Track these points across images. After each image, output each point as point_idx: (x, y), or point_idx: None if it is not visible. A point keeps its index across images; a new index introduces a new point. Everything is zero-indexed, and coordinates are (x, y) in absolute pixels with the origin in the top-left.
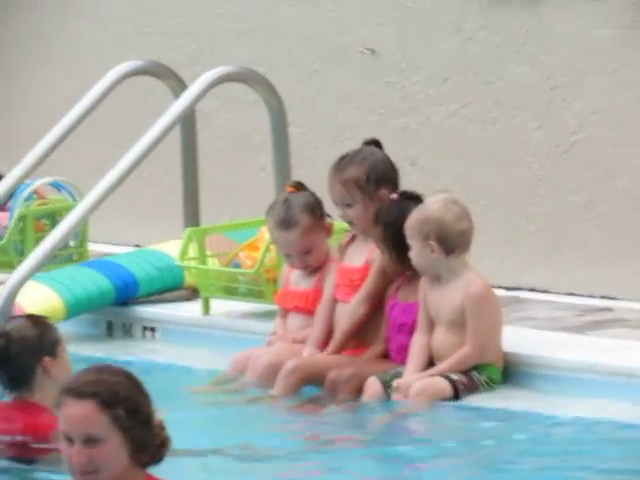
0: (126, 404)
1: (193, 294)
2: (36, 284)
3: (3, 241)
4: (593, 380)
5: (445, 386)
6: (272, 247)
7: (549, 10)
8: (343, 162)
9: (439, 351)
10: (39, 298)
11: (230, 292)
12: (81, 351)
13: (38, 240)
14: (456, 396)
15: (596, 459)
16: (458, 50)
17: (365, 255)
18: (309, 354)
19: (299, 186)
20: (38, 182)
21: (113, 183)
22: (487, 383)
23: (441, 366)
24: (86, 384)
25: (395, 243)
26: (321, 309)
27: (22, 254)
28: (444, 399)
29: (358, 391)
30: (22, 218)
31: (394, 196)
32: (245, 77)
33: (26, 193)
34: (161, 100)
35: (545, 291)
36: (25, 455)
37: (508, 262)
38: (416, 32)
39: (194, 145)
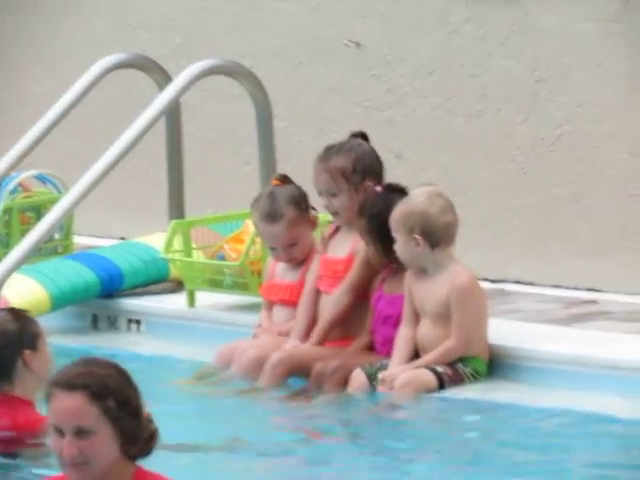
0: (116, 396)
1: (178, 286)
2: (21, 277)
3: None
4: (578, 372)
5: (430, 378)
6: (257, 240)
7: (534, 3)
8: (330, 152)
9: (424, 344)
10: (24, 291)
11: (215, 285)
12: (66, 343)
13: (23, 233)
14: (441, 388)
15: (581, 452)
16: (443, 43)
17: (349, 247)
18: (292, 346)
19: (284, 179)
20: (23, 175)
21: (98, 176)
22: (472, 375)
23: (426, 358)
24: (76, 376)
25: (380, 235)
26: (304, 300)
27: (7, 247)
28: (429, 391)
29: (343, 383)
30: (7, 211)
31: (379, 189)
32: (230, 70)
33: (11, 186)
34: (146, 93)
35: (531, 283)
36: (7, 449)
37: (493, 255)
38: (401, 25)
39: (179, 138)
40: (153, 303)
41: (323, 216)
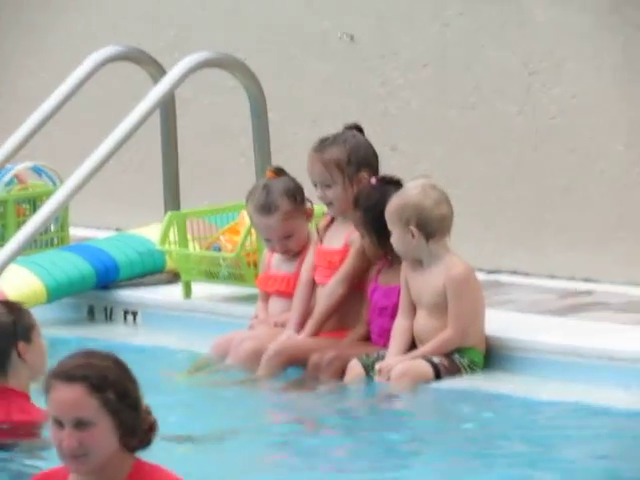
0: (115, 388)
1: (174, 278)
2: (17, 268)
3: None
4: (574, 363)
5: (427, 369)
6: (253, 231)
7: None
8: (325, 143)
9: (421, 335)
10: (20, 282)
11: (211, 276)
12: (62, 335)
13: (19, 225)
14: (438, 379)
15: (577, 443)
16: (437, 36)
17: (344, 237)
18: (288, 337)
19: (279, 171)
20: (19, 167)
21: (93, 168)
22: (469, 367)
23: (423, 349)
24: (75, 368)
25: (376, 227)
26: (299, 291)
27: (3, 239)
28: (426, 382)
29: (340, 374)
30: (3, 203)
31: (373, 181)
32: (224, 63)
33: (7, 178)
34: (140, 86)
35: (526, 274)
36: (1, 441)
37: (488, 246)
38: (395, 18)
39: (174, 130)
40: (149, 294)
41: (318, 208)
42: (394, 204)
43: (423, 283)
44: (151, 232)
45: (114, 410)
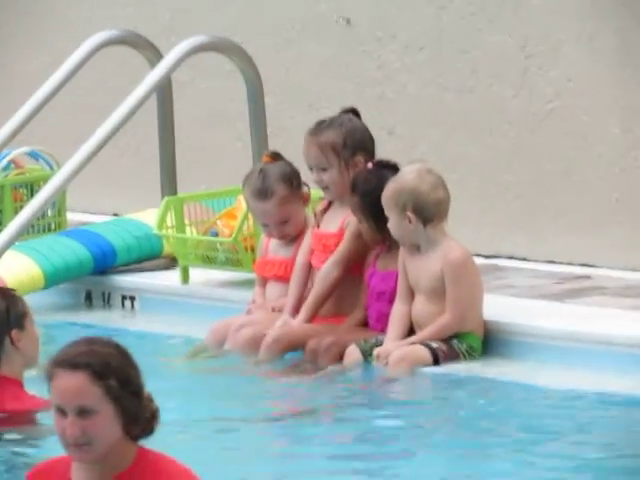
0: (117, 375)
1: (171, 263)
2: (15, 254)
3: None
4: (572, 348)
5: (425, 354)
6: (250, 216)
7: None
8: (321, 126)
9: (419, 320)
10: (18, 268)
11: (208, 261)
12: (60, 320)
13: (16, 210)
14: (436, 364)
15: (575, 428)
16: (433, 19)
17: (340, 221)
18: (284, 321)
19: (275, 156)
20: (15, 152)
21: (90, 152)
22: (467, 352)
23: (421, 334)
24: (78, 355)
25: (373, 212)
26: (295, 275)
27: (0, 224)
28: (424, 367)
29: (338, 359)
30: (0, 188)
31: (370, 165)
32: (221, 47)
33: (4, 163)
34: (137, 70)
35: (523, 259)
36: None
37: (485, 230)
38: (391, 1)
39: (171, 114)
40: (147, 279)
41: (315, 192)
42: (390, 189)
43: (421, 268)
44: (148, 217)
45: (117, 397)
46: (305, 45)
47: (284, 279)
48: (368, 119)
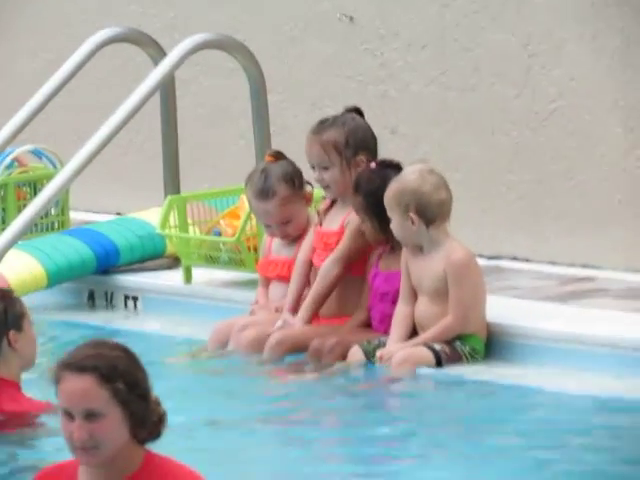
0: (125, 378)
1: (174, 262)
2: (18, 252)
3: None
4: (576, 350)
5: (428, 356)
6: (253, 215)
7: None
8: (323, 125)
9: (422, 321)
10: (21, 267)
11: (211, 260)
12: (63, 319)
13: (19, 208)
14: (439, 366)
15: (578, 431)
16: (436, 17)
17: (341, 220)
18: (285, 320)
19: (278, 155)
20: (19, 150)
21: (93, 151)
22: (470, 354)
23: (424, 336)
24: (85, 358)
25: (376, 212)
26: (295, 273)
27: (3, 222)
28: (427, 369)
29: (341, 360)
30: (3, 186)
31: (373, 165)
32: (224, 44)
33: (7, 161)
34: (141, 67)
35: (526, 260)
36: None
37: (487, 231)
38: None
39: (174, 112)
40: (150, 279)
41: (318, 191)
42: (392, 190)
43: (424, 269)
44: (151, 216)
45: (124, 401)
46: (308, 43)
47: (287, 279)
48: (371, 118)
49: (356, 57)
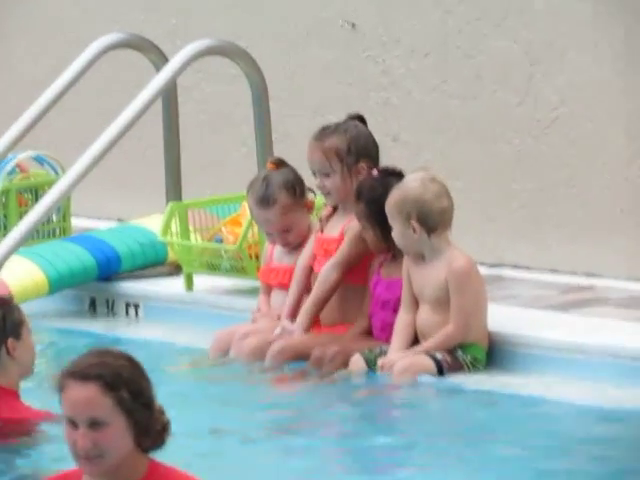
0: (129, 386)
1: (176, 270)
2: (19, 259)
3: None
4: (577, 360)
5: (429, 364)
6: (255, 223)
7: None
8: (325, 131)
9: (424, 330)
10: (22, 273)
11: (213, 268)
12: (64, 327)
13: (21, 214)
14: (440, 375)
15: (579, 440)
16: (438, 24)
17: (342, 227)
18: (283, 327)
19: (280, 163)
20: (20, 156)
21: (95, 157)
22: (471, 364)
23: (425, 344)
24: (89, 367)
25: (379, 220)
26: (295, 279)
27: (5, 229)
28: (428, 378)
29: (343, 368)
30: (5, 192)
31: (375, 172)
32: (226, 51)
33: (9, 167)
34: (143, 74)
35: (527, 268)
36: None
37: (489, 239)
38: (396, 6)
39: (176, 119)
40: (151, 287)
41: (320, 199)
42: (394, 199)
43: (425, 277)
44: (153, 223)
45: (128, 409)
46: (310, 50)
47: (288, 287)
48: (373, 125)
49: (358, 64)
